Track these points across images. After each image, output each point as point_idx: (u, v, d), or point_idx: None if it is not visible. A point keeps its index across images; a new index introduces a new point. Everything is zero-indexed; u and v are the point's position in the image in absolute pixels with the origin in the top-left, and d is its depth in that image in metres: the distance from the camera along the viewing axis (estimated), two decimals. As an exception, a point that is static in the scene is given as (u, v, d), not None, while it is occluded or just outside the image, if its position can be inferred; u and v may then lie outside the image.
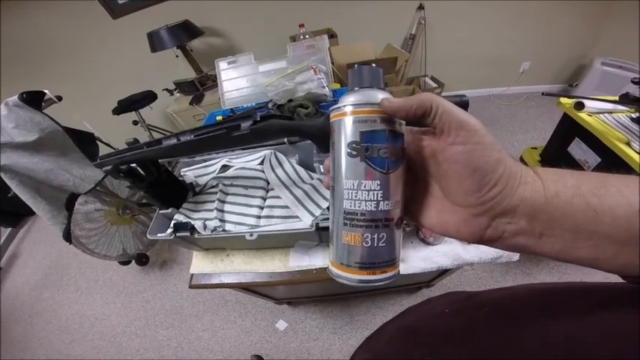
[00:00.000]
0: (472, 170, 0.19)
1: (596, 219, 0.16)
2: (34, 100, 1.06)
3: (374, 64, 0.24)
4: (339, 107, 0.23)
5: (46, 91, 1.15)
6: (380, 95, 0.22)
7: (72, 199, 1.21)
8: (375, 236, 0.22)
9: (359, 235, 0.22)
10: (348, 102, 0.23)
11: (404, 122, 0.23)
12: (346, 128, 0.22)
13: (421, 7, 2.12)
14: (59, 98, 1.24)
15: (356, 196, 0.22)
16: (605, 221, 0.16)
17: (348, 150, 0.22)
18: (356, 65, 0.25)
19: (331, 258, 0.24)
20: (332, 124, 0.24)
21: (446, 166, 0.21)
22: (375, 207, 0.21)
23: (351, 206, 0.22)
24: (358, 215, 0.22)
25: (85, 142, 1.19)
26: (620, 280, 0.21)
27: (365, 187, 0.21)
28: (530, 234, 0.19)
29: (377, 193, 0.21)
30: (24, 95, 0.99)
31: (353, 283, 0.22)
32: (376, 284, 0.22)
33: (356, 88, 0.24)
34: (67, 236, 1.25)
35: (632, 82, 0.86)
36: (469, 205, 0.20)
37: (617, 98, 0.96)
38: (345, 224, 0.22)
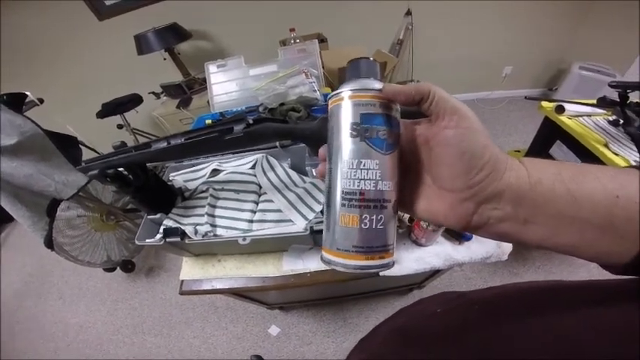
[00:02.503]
0: (462, 153, 0.20)
1: (576, 204, 0.17)
2: (14, 102, 1.02)
3: (372, 58, 0.25)
4: (339, 92, 0.24)
5: (27, 93, 1.12)
6: (377, 84, 0.23)
7: (53, 205, 1.17)
8: (374, 217, 0.22)
9: (357, 217, 0.22)
10: (348, 88, 0.24)
11: (399, 110, 0.24)
12: (346, 111, 0.23)
13: (409, 13, 2.16)
14: (41, 101, 1.21)
15: (355, 175, 0.22)
16: (585, 206, 0.17)
17: (350, 130, 0.23)
18: (355, 59, 0.26)
19: (327, 245, 0.24)
20: (331, 110, 0.25)
21: (438, 149, 0.22)
22: (374, 186, 0.22)
23: (350, 185, 0.22)
24: (357, 195, 0.22)
25: (67, 146, 1.15)
26: (609, 276, 0.21)
27: (364, 165, 0.22)
28: (514, 220, 0.19)
29: (376, 172, 0.22)
30: (4, 97, 0.96)
31: (349, 269, 0.22)
32: (373, 270, 0.22)
33: (354, 78, 0.25)
34: (49, 243, 1.21)
35: (609, 85, 0.90)
36: (457, 189, 0.21)
37: (595, 101, 1.01)
38: (344, 205, 0.22)
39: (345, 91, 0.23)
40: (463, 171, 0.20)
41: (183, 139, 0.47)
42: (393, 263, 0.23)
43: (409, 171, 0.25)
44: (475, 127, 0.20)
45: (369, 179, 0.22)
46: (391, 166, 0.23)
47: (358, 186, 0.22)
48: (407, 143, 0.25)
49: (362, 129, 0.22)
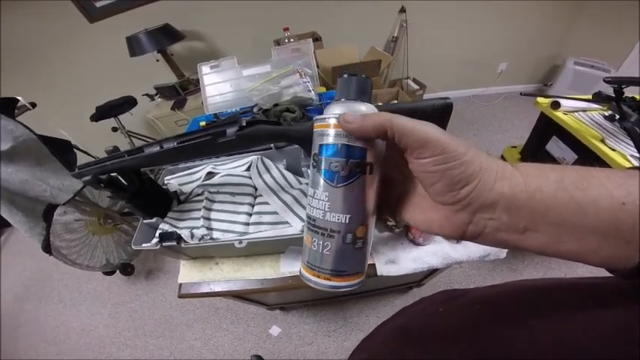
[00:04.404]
0: (440, 176, 0.19)
1: (580, 212, 0.16)
2: (6, 107, 1.01)
3: (364, 76, 0.24)
4: (316, 119, 0.25)
5: (19, 97, 1.10)
6: (361, 108, 0.23)
7: (50, 209, 1.16)
8: (321, 243, 0.23)
9: (310, 238, 0.24)
10: (324, 114, 0.24)
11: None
12: (314, 140, 0.24)
13: (403, 10, 2.15)
14: (33, 105, 1.20)
15: (311, 203, 0.24)
16: (589, 214, 0.16)
17: (312, 161, 0.24)
18: (345, 75, 0.25)
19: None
20: None
21: (417, 173, 0.21)
22: (322, 216, 0.23)
23: (308, 210, 0.24)
24: (311, 220, 0.24)
25: (61, 151, 1.14)
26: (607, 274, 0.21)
27: (316, 196, 0.23)
28: (513, 229, 0.19)
29: (325, 204, 0.23)
30: (-5, 103, 0.95)
31: (303, 279, 0.25)
32: (317, 287, 0.24)
33: (342, 100, 0.24)
34: (47, 248, 1.20)
35: (604, 81, 0.90)
36: (447, 202, 0.20)
37: (590, 97, 1.01)
38: (306, 225, 0.25)
39: (319, 119, 0.24)
40: (447, 189, 0.20)
41: (175, 143, 0.46)
42: (343, 287, 0.24)
43: (406, 181, 0.25)
44: (450, 149, 0.19)
45: (319, 209, 0.23)
46: (344, 197, 0.22)
47: (312, 213, 0.24)
48: (399, 156, 0.24)
49: (318, 160, 0.23)
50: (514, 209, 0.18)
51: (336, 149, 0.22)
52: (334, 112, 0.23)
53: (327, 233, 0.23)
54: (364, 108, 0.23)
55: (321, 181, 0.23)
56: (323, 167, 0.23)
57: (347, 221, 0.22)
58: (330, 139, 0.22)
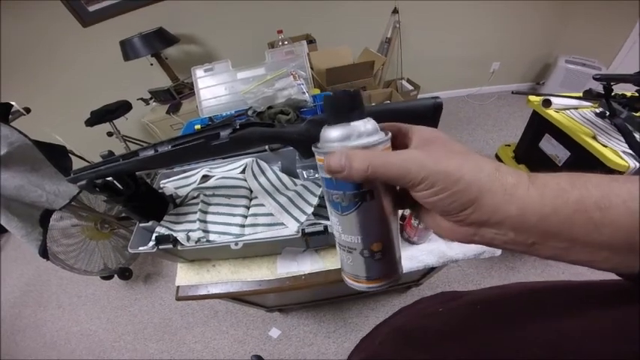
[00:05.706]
0: (436, 204, 0.19)
1: (596, 231, 0.16)
2: (0, 112, 1.01)
3: (351, 90, 0.23)
4: (314, 150, 0.24)
5: (12, 102, 1.10)
6: (354, 130, 0.22)
7: (46, 215, 1.15)
8: (344, 255, 0.26)
9: (338, 249, 0.27)
10: (318, 145, 0.24)
11: None
12: (319, 170, 0.25)
13: (396, 11, 2.17)
14: (27, 110, 1.19)
15: (331, 222, 0.26)
16: (605, 232, 0.16)
17: (323, 187, 0.25)
18: (331, 94, 0.23)
19: None
20: None
21: (415, 198, 0.21)
22: (338, 236, 0.25)
23: (331, 226, 0.27)
24: (334, 235, 0.26)
25: (57, 156, 1.13)
26: (608, 275, 0.21)
27: (331, 219, 0.25)
28: (520, 243, 0.18)
29: (338, 227, 0.25)
30: (-11, 109, 0.94)
31: (345, 281, 0.27)
32: (354, 288, 0.26)
33: (333, 124, 0.23)
34: (44, 253, 1.20)
35: (594, 78, 0.92)
36: (451, 221, 0.20)
37: (581, 94, 1.02)
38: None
39: (313, 149, 0.24)
40: (445, 214, 0.20)
41: (170, 147, 0.46)
42: (364, 289, 0.26)
43: None
44: (441, 181, 0.18)
45: (335, 230, 0.25)
46: (351, 223, 0.23)
47: (332, 230, 0.27)
48: None
49: (324, 190, 0.25)
50: (523, 230, 0.18)
51: (332, 183, 0.23)
52: (329, 137, 0.22)
53: (346, 249, 0.25)
54: (359, 124, 0.22)
55: (331, 208, 0.24)
56: (327, 197, 0.24)
57: (359, 241, 0.24)
58: (326, 173, 0.22)
